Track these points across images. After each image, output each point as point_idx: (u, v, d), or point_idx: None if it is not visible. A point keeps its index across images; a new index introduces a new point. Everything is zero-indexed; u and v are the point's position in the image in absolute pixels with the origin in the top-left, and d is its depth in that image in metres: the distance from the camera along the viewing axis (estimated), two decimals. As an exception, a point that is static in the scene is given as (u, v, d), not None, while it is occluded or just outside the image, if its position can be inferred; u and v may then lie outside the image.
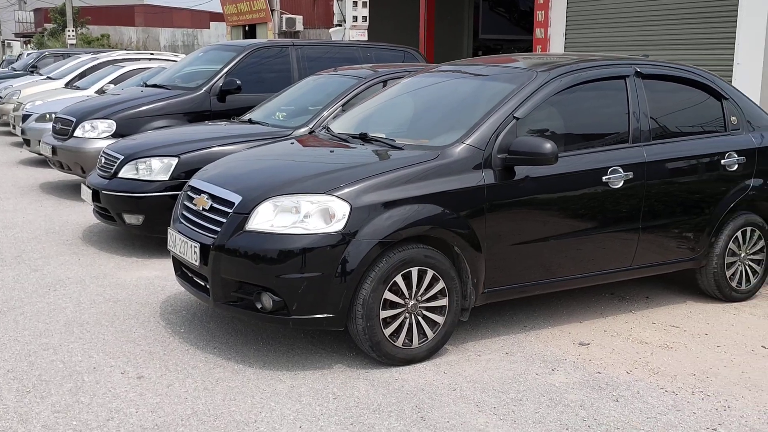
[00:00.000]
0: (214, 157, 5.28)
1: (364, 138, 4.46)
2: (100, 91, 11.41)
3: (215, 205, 4.01)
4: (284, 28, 22.05)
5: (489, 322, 4.51)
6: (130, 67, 12.65)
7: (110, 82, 12.10)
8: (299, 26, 22.05)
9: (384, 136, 4.46)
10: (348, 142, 4.52)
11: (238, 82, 7.97)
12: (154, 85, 8.70)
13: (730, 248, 4.96)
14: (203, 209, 4.07)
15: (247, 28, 24.41)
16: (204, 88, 8.05)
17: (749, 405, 3.52)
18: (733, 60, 12.20)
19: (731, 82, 12.15)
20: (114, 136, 7.75)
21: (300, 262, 3.63)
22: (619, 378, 3.77)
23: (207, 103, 8.07)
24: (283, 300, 3.66)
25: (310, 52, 8.98)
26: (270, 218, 3.75)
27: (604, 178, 4.36)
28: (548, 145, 3.95)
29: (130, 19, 47.16)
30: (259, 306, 3.75)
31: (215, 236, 3.86)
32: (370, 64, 7.91)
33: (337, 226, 3.66)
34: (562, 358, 4.00)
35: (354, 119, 5.01)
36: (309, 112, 6.47)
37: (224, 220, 3.86)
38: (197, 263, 3.92)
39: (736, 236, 4.97)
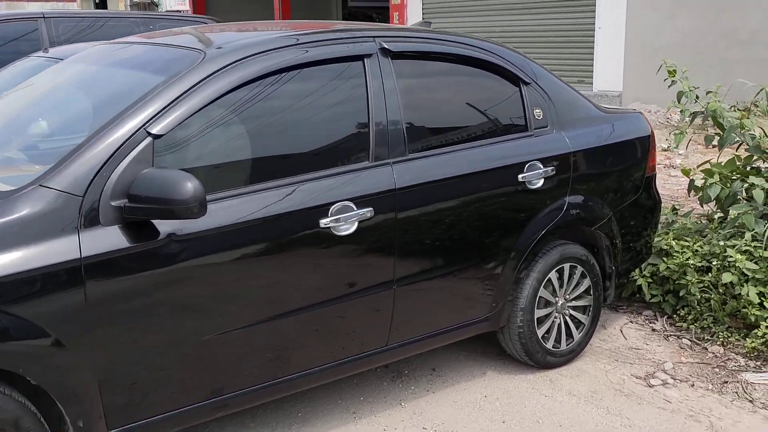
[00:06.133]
0: None
1: None
2: None
3: None
4: (139, -2, 19.49)
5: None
6: None
7: None
8: (156, -4, 19.53)
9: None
10: None
11: (-42, 69, 6.00)
12: None
13: (541, 297, 3.48)
14: None
15: (98, -2, 21.64)
16: None
17: None
18: (594, 24, 11.02)
19: (593, 47, 11.05)
20: None
21: None
22: None
23: None
24: None
25: (68, 28, 7.10)
26: None
27: (323, 222, 2.74)
28: (189, 185, 2.27)
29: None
30: None
31: None
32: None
33: None
34: None
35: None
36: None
37: None
38: None
39: (549, 278, 3.49)
